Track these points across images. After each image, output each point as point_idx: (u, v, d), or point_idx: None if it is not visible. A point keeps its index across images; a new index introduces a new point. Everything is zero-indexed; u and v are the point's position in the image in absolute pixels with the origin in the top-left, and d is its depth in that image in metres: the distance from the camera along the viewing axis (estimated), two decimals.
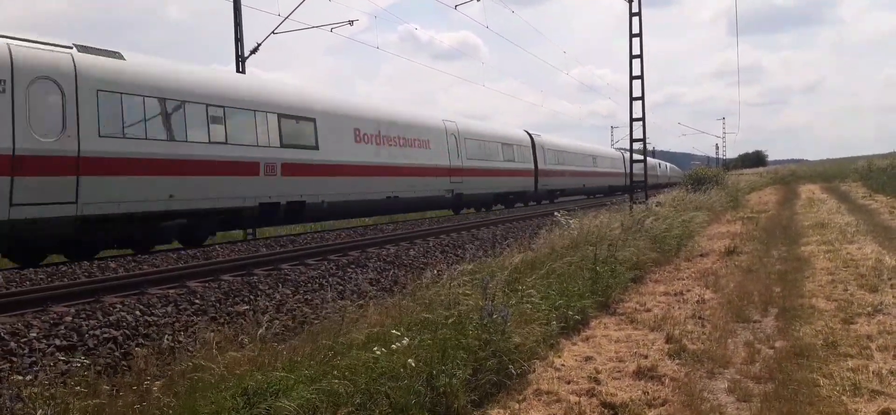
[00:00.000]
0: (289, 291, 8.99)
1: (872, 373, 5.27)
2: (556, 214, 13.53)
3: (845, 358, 5.73)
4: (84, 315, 7.12)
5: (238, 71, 22.19)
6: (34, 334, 6.41)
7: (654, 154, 73.18)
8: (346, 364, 4.60)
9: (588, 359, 6.04)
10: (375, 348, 4.66)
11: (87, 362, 5.57)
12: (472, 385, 4.89)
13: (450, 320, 5.51)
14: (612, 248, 9.91)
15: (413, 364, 4.50)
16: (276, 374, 4.42)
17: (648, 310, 8.01)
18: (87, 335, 6.62)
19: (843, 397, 4.80)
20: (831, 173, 51.62)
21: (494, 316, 5.56)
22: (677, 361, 5.89)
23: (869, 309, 7.43)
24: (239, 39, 22.41)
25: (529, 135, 33.43)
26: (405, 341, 4.70)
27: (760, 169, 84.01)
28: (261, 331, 5.66)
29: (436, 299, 6.43)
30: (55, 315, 7.04)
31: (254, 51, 22.72)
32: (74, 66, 12.01)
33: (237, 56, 22.55)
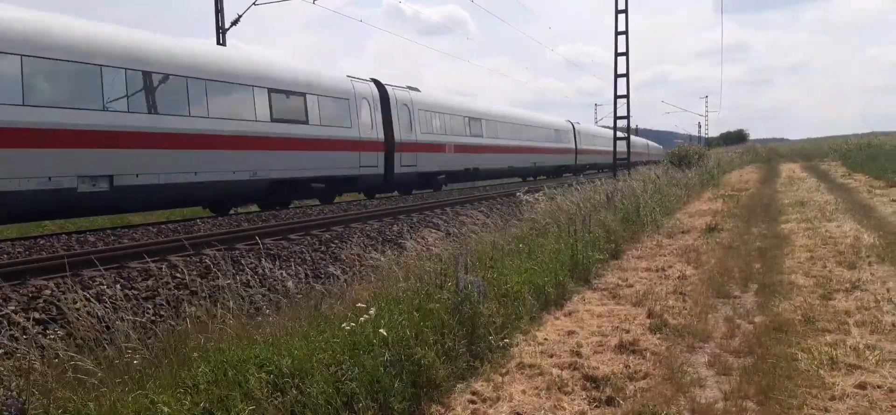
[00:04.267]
0: (270, 265, 8.93)
1: (850, 347, 5.36)
2: (517, 194, 14.42)
3: (823, 333, 5.82)
4: (63, 289, 7.03)
5: (218, 43, 21.89)
6: (12, 308, 6.32)
7: (637, 132, 73.67)
8: (325, 339, 4.58)
9: (571, 333, 6.08)
10: (344, 324, 4.64)
11: (66, 335, 5.51)
12: (452, 357, 4.90)
13: (423, 291, 5.50)
14: (587, 224, 9.95)
15: (385, 334, 4.48)
16: (255, 349, 4.39)
17: (630, 285, 8.06)
18: (66, 309, 6.53)
19: (821, 371, 4.87)
20: (811, 152, 52.20)
21: (469, 288, 5.55)
22: (659, 335, 5.95)
23: (847, 285, 7.54)
24: (220, 11, 22.07)
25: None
26: (372, 311, 4.68)
27: (739, 147, 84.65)
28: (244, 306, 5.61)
29: (412, 273, 6.43)
30: (34, 289, 6.95)
31: (234, 23, 22.42)
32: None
33: (217, 28, 22.23)
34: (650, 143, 74.77)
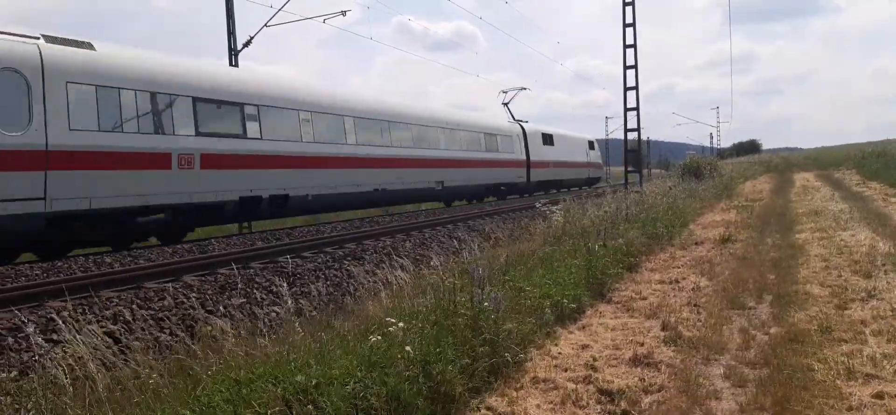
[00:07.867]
0: (285, 284, 8.98)
1: (866, 357, 5.32)
2: (536, 204, 14.83)
3: (839, 343, 5.78)
4: (80, 310, 7.11)
5: (231, 64, 22.15)
6: (31, 330, 6.40)
7: (649, 145, 72.32)
8: (343, 352, 4.61)
9: (585, 347, 6.07)
10: (371, 336, 4.67)
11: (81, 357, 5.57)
12: (469, 373, 4.91)
13: (440, 306, 5.52)
14: (604, 237, 9.96)
15: (411, 351, 4.50)
16: (269, 367, 4.42)
17: (644, 298, 8.03)
18: (83, 330, 6.60)
19: (838, 381, 4.84)
20: (825, 160, 51.80)
21: (486, 304, 5.57)
22: (673, 347, 5.92)
23: (863, 294, 7.47)
24: (231, 32, 22.33)
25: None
26: (401, 324, 4.71)
27: (754, 157, 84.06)
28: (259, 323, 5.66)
29: (428, 289, 6.45)
30: (51, 310, 7.03)
31: (246, 44, 22.66)
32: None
33: (230, 49, 22.47)
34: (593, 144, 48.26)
